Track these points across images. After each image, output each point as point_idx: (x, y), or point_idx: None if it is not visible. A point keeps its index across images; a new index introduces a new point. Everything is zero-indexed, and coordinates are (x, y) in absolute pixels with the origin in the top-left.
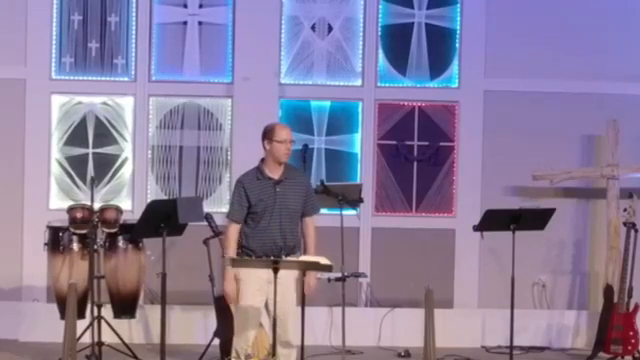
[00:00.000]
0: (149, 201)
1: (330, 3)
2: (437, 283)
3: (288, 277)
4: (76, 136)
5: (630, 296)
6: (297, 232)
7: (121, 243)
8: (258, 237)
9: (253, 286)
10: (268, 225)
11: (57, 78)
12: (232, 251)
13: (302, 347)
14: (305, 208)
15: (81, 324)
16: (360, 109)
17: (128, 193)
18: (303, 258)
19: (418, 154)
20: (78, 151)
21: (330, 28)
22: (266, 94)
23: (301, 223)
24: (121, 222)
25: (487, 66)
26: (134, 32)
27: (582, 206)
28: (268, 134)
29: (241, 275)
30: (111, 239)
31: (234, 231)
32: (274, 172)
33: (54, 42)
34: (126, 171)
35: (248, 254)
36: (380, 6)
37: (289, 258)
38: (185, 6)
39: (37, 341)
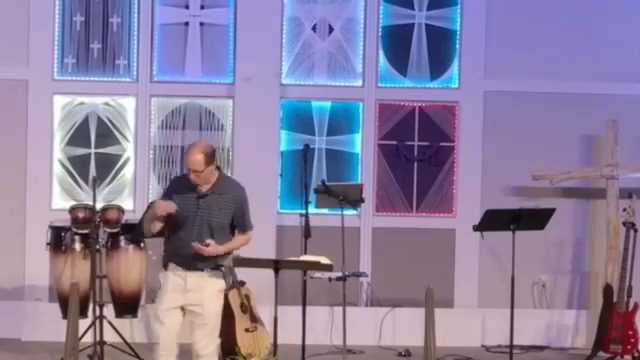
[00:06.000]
0: (150, 201)
1: (331, 4)
2: (437, 283)
3: (204, 287)
4: (78, 136)
5: (629, 295)
6: None
7: (123, 243)
8: (173, 245)
9: (169, 291)
10: (186, 237)
11: (59, 79)
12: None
13: (303, 346)
14: (235, 222)
15: (83, 323)
16: (361, 109)
17: (130, 193)
18: (303, 258)
19: (418, 154)
20: (80, 151)
21: (331, 29)
22: (267, 95)
23: None
24: (123, 222)
25: (487, 66)
26: (136, 33)
27: (582, 206)
28: None
29: (162, 279)
30: (113, 239)
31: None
32: (203, 185)
33: (56, 43)
34: (128, 171)
35: (165, 257)
36: (381, 7)
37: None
38: (187, 7)
39: (39, 340)
